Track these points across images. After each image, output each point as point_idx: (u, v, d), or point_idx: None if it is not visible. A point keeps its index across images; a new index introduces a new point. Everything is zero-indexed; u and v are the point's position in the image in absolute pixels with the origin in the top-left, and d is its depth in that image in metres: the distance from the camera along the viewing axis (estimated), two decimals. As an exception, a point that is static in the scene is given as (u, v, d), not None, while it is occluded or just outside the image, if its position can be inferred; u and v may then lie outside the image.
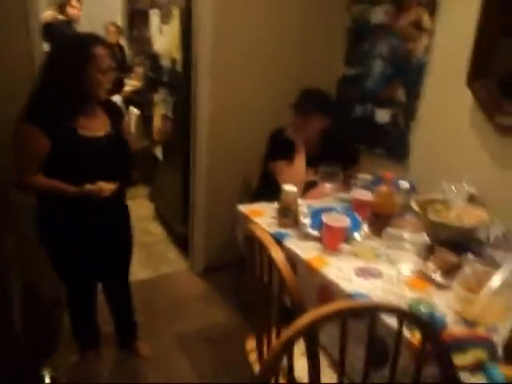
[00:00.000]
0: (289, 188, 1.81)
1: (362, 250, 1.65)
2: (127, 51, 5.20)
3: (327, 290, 1.49)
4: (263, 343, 1.48)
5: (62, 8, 4.25)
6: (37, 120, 1.53)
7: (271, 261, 1.31)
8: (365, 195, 1.91)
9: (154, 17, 3.31)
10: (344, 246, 1.66)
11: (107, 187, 1.60)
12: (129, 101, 4.53)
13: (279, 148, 2.29)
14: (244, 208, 2.05)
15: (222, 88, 2.61)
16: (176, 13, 2.80)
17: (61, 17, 4.24)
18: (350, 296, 1.38)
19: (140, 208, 3.93)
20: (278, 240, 1.69)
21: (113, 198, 1.65)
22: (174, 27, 2.87)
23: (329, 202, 2.08)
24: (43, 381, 1.80)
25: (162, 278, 2.91)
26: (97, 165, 1.66)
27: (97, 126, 1.68)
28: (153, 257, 3.15)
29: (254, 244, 1.50)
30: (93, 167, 1.65)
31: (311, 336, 1.10)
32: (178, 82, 2.88)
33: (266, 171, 2.37)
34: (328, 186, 2.12)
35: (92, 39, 1.63)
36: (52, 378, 1.82)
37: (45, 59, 1.66)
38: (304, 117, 2.24)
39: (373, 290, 1.40)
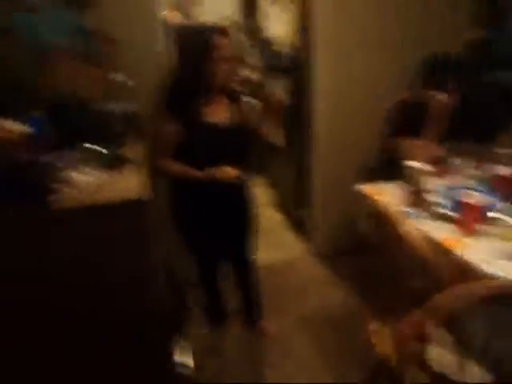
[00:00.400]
0: (415, 165, 1.68)
1: (506, 230, 1.46)
2: (244, 42, 5.35)
3: (465, 273, 1.35)
4: (389, 325, 1.41)
5: (180, 8, 4.53)
6: (168, 109, 1.65)
7: (400, 239, 1.23)
8: (508, 171, 1.69)
9: (264, 2, 3.34)
10: (483, 227, 1.49)
11: (229, 172, 1.65)
12: (246, 91, 4.67)
13: (403, 122, 2.13)
14: (364, 188, 1.97)
15: (338, 64, 2.53)
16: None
17: (180, 16, 4.52)
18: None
19: (257, 195, 4.03)
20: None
21: (235, 183, 1.70)
22: (284, 9, 2.85)
23: (461, 179, 1.88)
24: (177, 350, 1.97)
25: (281, 262, 2.95)
26: (220, 150, 1.73)
27: (220, 114, 1.74)
28: (272, 242, 3.20)
29: (379, 223, 1.43)
30: (216, 153, 1.72)
31: (450, 319, 1.00)
32: (292, 65, 2.87)
33: (387, 148, 2.24)
34: (458, 163, 1.93)
35: (211, 29, 1.67)
36: (186, 348, 1.99)
37: (176, 54, 1.76)
38: (432, 86, 2.05)
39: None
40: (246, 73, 4.77)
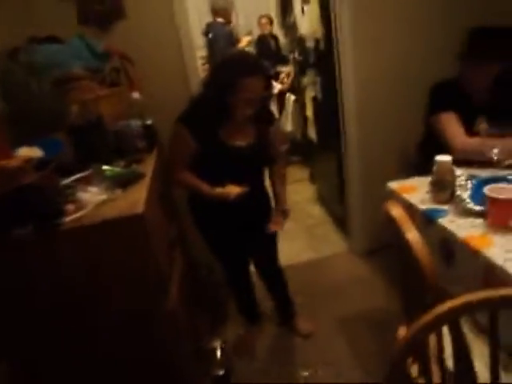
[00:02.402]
0: (442, 158, 1.58)
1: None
2: (282, 40, 5.33)
3: (492, 276, 1.25)
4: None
5: (219, 14, 4.59)
6: (188, 123, 1.68)
7: (408, 246, 1.18)
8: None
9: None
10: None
11: (234, 191, 1.66)
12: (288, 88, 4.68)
13: (446, 99, 1.97)
14: (395, 184, 1.89)
15: (366, 57, 2.43)
16: (314, -10, 2.72)
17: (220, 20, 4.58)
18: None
19: (302, 190, 4.02)
20: (431, 218, 1.51)
21: (250, 190, 1.71)
22: (313, 6, 2.80)
23: (498, 170, 1.74)
24: (215, 347, 2.03)
25: (323, 259, 2.92)
26: (233, 169, 1.75)
27: (240, 137, 1.75)
28: (314, 239, 3.19)
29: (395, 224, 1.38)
30: (229, 171, 1.75)
31: (455, 326, 0.96)
32: (323, 61, 2.82)
33: (428, 133, 2.11)
34: (496, 150, 1.77)
35: (247, 69, 1.61)
36: (221, 346, 2.04)
37: (207, 72, 1.76)
38: (477, 63, 1.89)
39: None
40: (288, 70, 4.77)
